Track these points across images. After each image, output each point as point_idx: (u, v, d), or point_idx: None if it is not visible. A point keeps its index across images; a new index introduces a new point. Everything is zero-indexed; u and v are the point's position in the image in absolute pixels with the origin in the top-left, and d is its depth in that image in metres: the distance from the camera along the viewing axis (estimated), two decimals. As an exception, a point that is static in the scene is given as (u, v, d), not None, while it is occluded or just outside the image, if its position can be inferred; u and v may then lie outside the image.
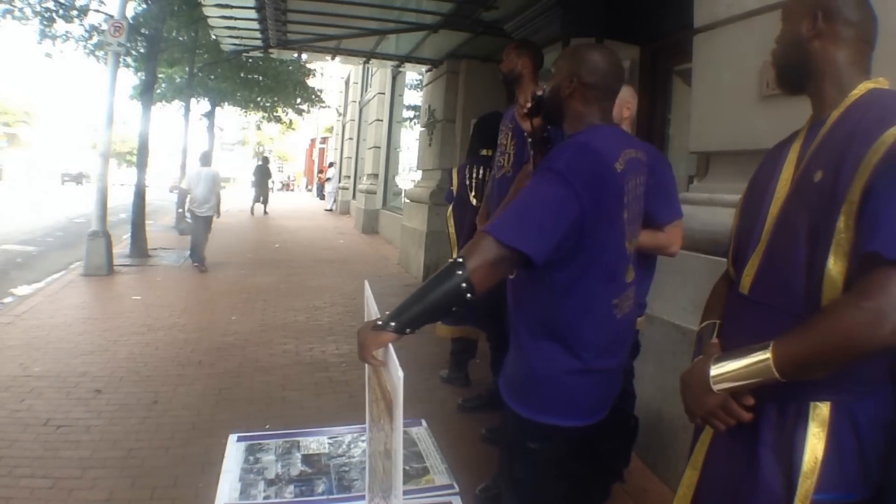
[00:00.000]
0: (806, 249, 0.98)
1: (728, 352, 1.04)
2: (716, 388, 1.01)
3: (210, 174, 7.65)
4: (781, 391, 0.95)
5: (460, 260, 1.21)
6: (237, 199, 18.71)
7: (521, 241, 1.23)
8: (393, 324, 1.18)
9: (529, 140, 1.61)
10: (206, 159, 8.16)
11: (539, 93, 1.53)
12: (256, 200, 16.91)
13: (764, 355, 0.95)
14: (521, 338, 1.44)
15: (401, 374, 0.98)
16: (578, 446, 1.45)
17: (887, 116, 0.94)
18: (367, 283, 1.47)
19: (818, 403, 0.96)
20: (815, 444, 0.95)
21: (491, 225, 1.27)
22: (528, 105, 1.54)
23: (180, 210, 8.23)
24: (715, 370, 1.02)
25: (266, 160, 19.29)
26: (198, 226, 7.53)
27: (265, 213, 16.69)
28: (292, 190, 37.28)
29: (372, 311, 1.33)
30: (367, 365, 1.34)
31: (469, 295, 1.20)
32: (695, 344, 1.22)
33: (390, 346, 1.14)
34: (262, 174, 17.55)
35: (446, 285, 1.20)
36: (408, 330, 1.19)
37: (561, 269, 1.34)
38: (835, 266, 0.93)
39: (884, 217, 0.87)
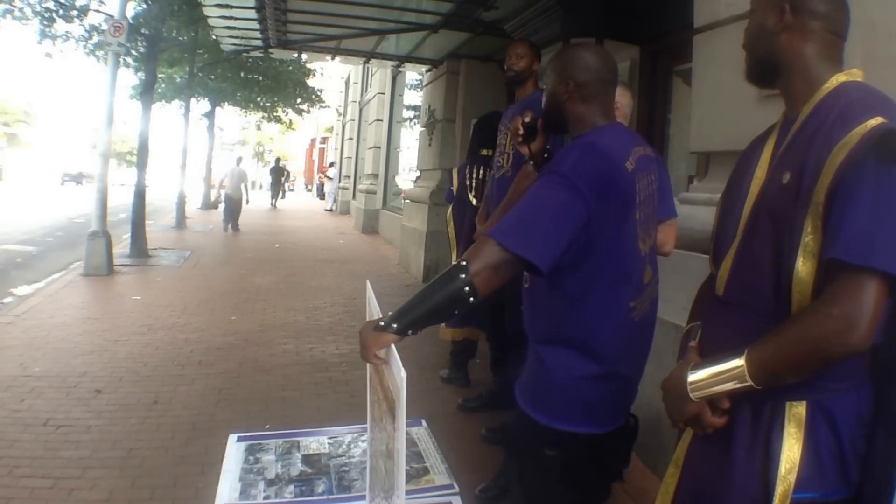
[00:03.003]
0: (774, 251, 0.97)
1: (704, 359, 1.03)
2: (693, 395, 1.01)
3: (239, 171, 12.28)
4: (757, 392, 0.95)
5: (463, 263, 1.20)
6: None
7: (526, 248, 1.21)
8: (395, 325, 1.17)
9: (531, 163, 1.58)
10: (238, 161, 12.97)
11: (528, 119, 1.50)
12: (273, 196, 19.74)
13: (737, 363, 0.94)
14: (539, 344, 1.43)
15: (404, 374, 0.98)
16: (592, 453, 1.43)
17: (851, 113, 0.92)
18: (368, 283, 1.46)
19: (794, 403, 0.95)
20: (791, 445, 0.94)
21: (495, 228, 1.25)
22: (521, 133, 1.51)
23: (217, 194, 13.40)
24: (692, 377, 1.01)
25: (278, 160, 22.59)
26: (231, 204, 11.84)
27: (275, 206, 19.16)
28: (292, 189, 37.39)
29: (374, 310, 1.33)
30: (368, 365, 1.33)
31: (471, 299, 1.19)
32: (679, 346, 1.22)
33: (393, 346, 1.14)
34: (277, 173, 20.42)
35: (448, 288, 1.20)
36: (409, 332, 1.19)
37: (572, 273, 1.32)
38: (803, 267, 0.92)
39: (845, 221, 0.86)
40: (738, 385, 0.95)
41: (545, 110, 1.49)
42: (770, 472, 0.95)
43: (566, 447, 1.39)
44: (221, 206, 12.42)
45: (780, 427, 0.96)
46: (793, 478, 0.93)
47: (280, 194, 19.99)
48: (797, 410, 0.95)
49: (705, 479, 1.06)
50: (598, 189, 1.28)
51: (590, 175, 1.28)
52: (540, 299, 1.43)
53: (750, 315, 1.01)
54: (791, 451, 0.94)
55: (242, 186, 12.06)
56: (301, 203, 24.25)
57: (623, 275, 1.38)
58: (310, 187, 29.77)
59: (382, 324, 1.18)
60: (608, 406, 1.42)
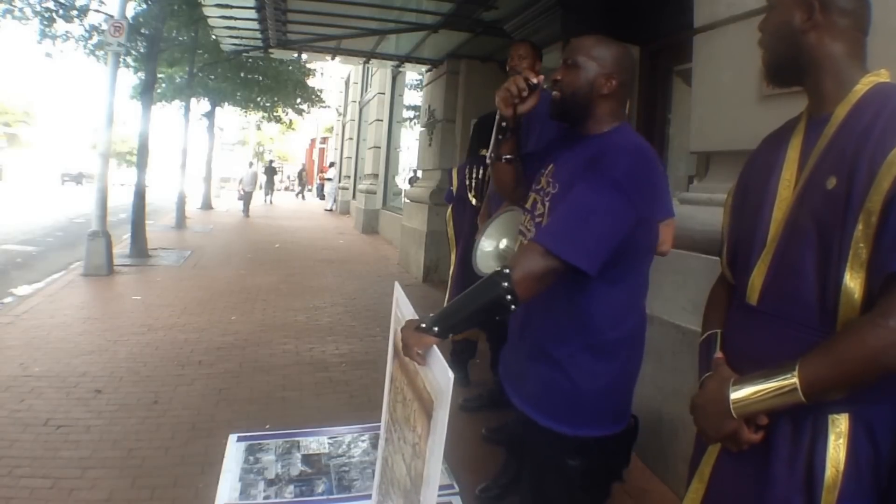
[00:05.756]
0: (819, 259, 0.94)
1: (746, 375, 0.99)
2: (736, 413, 0.97)
3: (252, 172, 17.63)
4: (798, 407, 0.93)
5: (506, 271, 1.19)
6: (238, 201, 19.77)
7: (576, 255, 1.20)
8: (436, 328, 1.17)
9: (503, 125, 1.48)
10: (250, 165, 19.20)
11: (535, 81, 1.41)
12: (266, 193, 22.40)
13: (790, 380, 0.91)
14: (557, 353, 1.38)
15: (451, 375, 0.97)
16: (609, 453, 1.43)
17: None
18: (397, 283, 1.44)
19: (836, 416, 0.94)
20: (835, 456, 0.93)
21: (544, 235, 1.24)
22: (524, 94, 1.41)
23: (239, 191, 18.05)
24: (736, 395, 0.97)
25: (272, 161, 26.77)
26: (247, 197, 16.54)
27: (270, 202, 21.76)
28: (292, 190, 37.44)
29: (405, 311, 1.31)
30: (389, 365, 1.33)
31: (513, 306, 1.18)
32: (699, 357, 1.19)
33: (435, 347, 1.13)
34: (270, 173, 23.24)
35: (490, 295, 1.19)
36: (450, 335, 1.19)
37: (605, 272, 1.29)
38: (852, 279, 0.90)
39: None
40: (788, 401, 0.92)
41: (569, 95, 1.39)
42: (815, 486, 0.93)
43: (588, 453, 1.37)
44: (240, 200, 17.08)
45: (823, 440, 0.94)
46: (837, 491, 0.92)
47: (272, 192, 23.10)
48: (840, 422, 0.93)
49: (736, 495, 1.04)
50: (647, 194, 1.29)
51: (640, 181, 1.28)
52: (558, 303, 1.38)
53: (792, 326, 0.98)
54: (836, 464, 0.93)
55: (255, 181, 17.58)
56: (300, 203, 24.31)
57: (646, 271, 1.43)
58: (310, 187, 30.37)
59: (424, 325, 1.17)
60: (627, 400, 1.45)
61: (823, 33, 1.01)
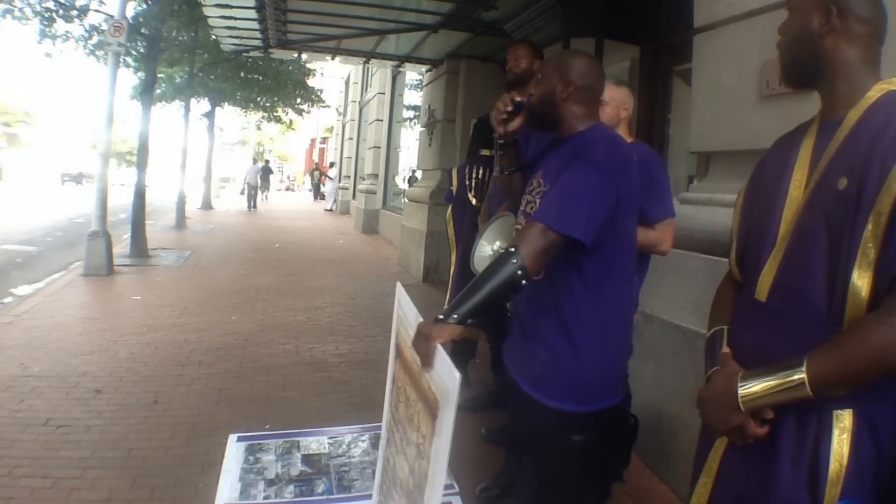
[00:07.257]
0: (828, 258, 0.97)
1: (754, 370, 1.02)
2: (744, 407, 0.99)
3: (255, 168, 19.91)
4: (803, 402, 0.95)
5: (512, 249, 1.29)
6: (238, 199, 20.76)
7: (572, 228, 1.33)
8: (455, 315, 1.21)
9: (500, 142, 1.70)
10: (254, 161, 21.31)
11: (519, 99, 1.60)
12: (263, 191, 23.07)
13: (798, 375, 0.93)
14: (558, 335, 1.49)
15: (457, 375, 0.98)
16: (604, 428, 1.54)
17: None
18: (399, 284, 1.47)
19: (840, 412, 0.95)
20: (838, 451, 0.94)
21: (539, 213, 1.38)
22: (509, 109, 1.60)
23: (243, 186, 20.51)
24: (744, 389, 0.99)
25: (267, 162, 27.60)
26: (251, 191, 18.74)
27: (265, 199, 22.71)
28: (292, 190, 37.46)
29: (407, 311, 1.33)
30: (391, 365, 1.36)
31: (524, 281, 1.28)
32: (705, 352, 1.20)
33: (440, 348, 1.14)
34: (266, 172, 23.92)
35: (502, 275, 1.27)
36: (469, 320, 1.24)
37: (597, 252, 1.42)
38: (860, 278, 0.92)
39: None
40: (796, 396, 0.94)
41: (536, 104, 1.58)
42: (818, 481, 0.95)
43: (587, 428, 1.48)
44: (245, 195, 19.23)
45: (827, 436, 0.96)
46: (840, 485, 0.94)
47: (268, 191, 24.29)
48: (844, 418, 0.95)
49: (743, 489, 1.06)
50: (624, 176, 1.44)
51: (618, 164, 1.44)
52: (560, 286, 1.49)
53: (799, 322, 1.00)
54: (839, 458, 0.94)
55: (258, 177, 19.79)
56: (301, 203, 24.29)
57: (633, 254, 1.56)
58: (310, 188, 30.13)
59: (441, 316, 1.21)
60: (620, 375, 1.59)
61: (839, 38, 1.04)
